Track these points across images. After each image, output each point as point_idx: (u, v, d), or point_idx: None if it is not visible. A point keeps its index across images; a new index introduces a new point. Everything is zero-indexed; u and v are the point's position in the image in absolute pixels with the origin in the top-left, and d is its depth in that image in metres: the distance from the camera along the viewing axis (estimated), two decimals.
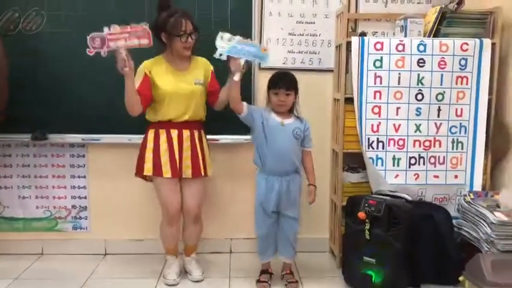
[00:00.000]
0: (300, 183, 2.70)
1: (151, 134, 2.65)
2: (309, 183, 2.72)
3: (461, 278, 2.43)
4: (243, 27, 2.92)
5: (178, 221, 2.75)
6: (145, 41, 2.43)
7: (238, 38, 2.51)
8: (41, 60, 2.91)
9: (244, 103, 2.63)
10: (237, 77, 2.50)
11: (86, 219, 3.18)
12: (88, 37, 2.38)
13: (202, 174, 2.69)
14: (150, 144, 2.63)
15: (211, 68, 2.72)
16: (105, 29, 2.39)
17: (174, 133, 2.62)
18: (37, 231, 3.17)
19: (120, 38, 2.39)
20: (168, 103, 2.60)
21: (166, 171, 2.61)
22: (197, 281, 2.78)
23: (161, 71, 2.60)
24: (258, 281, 2.73)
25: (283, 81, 2.58)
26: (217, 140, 3.01)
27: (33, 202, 3.15)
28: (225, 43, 2.49)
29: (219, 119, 2.88)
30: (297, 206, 2.70)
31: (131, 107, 2.54)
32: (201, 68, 2.69)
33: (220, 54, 2.49)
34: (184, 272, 2.85)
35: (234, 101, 2.57)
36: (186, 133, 2.64)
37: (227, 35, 2.49)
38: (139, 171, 2.67)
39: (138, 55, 2.54)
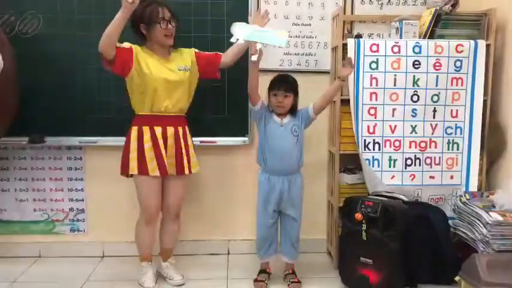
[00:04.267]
0: (302, 183, 2.71)
1: (134, 132, 2.57)
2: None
3: (457, 278, 2.44)
4: None
5: (156, 221, 2.71)
6: None
7: (254, 25, 2.59)
8: (37, 63, 2.90)
9: (261, 97, 2.67)
10: (254, 58, 2.50)
11: (83, 221, 3.19)
12: None
13: (187, 172, 2.65)
14: (134, 143, 2.56)
15: (194, 49, 2.71)
16: None
17: (158, 130, 2.56)
18: (34, 234, 3.17)
19: None
20: (155, 91, 2.53)
21: (153, 170, 2.55)
22: (179, 285, 2.76)
23: (147, 57, 2.54)
24: (256, 280, 2.75)
25: (283, 82, 2.63)
26: (214, 142, 3.02)
27: (31, 205, 3.15)
28: (241, 29, 2.54)
29: (216, 121, 2.89)
30: (299, 206, 2.72)
31: (107, 38, 2.36)
32: (184, 55, 2.66)
33: (237, 39, 2.53)
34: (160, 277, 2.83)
35: (252, 86, 2.61)
36: (170, 130, 2.59)
37: (243, 23, 2.59)
38: (124, 170, 2.62)
39: None
